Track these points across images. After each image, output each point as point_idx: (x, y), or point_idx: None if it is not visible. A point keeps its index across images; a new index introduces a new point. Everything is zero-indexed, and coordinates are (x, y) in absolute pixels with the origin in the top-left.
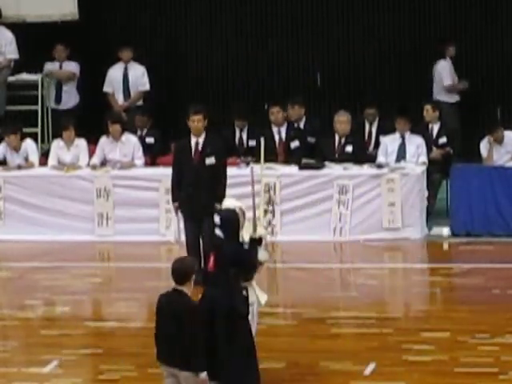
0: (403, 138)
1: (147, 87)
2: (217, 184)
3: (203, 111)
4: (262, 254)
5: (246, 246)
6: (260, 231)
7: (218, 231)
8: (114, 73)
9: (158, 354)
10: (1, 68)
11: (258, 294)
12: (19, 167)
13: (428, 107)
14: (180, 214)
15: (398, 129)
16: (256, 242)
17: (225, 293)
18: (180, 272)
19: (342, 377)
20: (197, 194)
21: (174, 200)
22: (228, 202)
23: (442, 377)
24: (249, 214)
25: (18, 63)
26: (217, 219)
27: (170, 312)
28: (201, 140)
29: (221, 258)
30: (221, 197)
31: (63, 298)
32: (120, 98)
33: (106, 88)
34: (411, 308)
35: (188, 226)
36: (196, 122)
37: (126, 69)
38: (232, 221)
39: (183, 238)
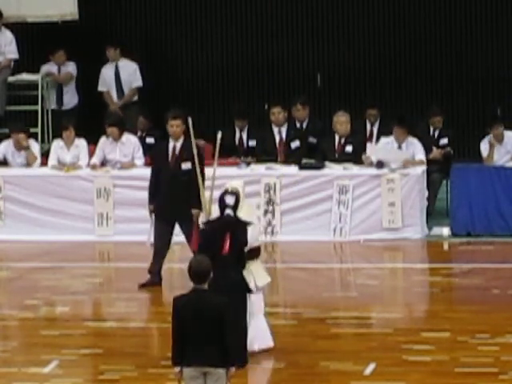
0: (400, 147)
1: (140, 83)
2: (193, 189)
3: (182, 116)
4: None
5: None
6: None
7: (229, 211)
8: (107, 72)
9: (183, 357)
10: (1, 68)
11: (255, 276)
12: (28, 164)
13: (439, 118)
14: (153, 216)
15: (395, 137)
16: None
17: (237, 272)
18: (202, 272)
19: (342, 377)
20: (172, 198)
21: (149, 203)
22: (235, 182)
23: (442, 377)
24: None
25: (18, 63)
26: (230, 200)
27: (202, 312)
28: (178, 144)
29: (235, 239)
30: (196, 202)
31: (63, 298)
32: (114, 96)
33: (101, 87)
34: (411, 308)
35: (159, 229)
36: (175, 126)
37: (116, 67)
38: (239, 203)
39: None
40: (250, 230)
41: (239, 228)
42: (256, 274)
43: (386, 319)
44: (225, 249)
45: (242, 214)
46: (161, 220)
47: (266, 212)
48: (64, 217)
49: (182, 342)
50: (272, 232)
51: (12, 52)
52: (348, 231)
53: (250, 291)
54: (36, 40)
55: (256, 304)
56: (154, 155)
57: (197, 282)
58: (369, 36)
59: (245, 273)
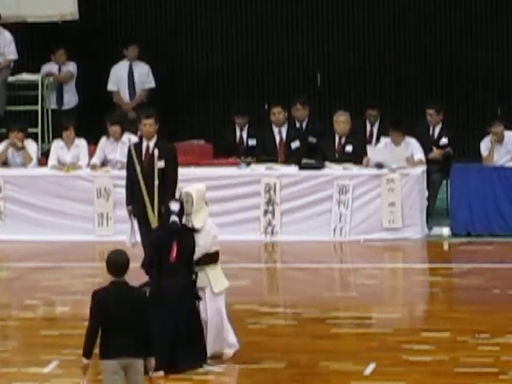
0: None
1: (153, 84)
2: (165, 188)
3: (155, 115)
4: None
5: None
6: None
7: (175, 218)
8: (119, 71)
9: (108, 349)
10: (0, 68)
11: (212, 282)
12: (24, 164)
13: (431, 112)
14: (133, 217)
15: (392, 140)
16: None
17: (185, 278)
18: (123, 264)
19: (342, 377)
20: (146, 197)
21: (127, 203)
22: (193, 186)
23: (442, 377)
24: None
25: (18, 63)
26: (175, 207)
27: (123, 303)
28: (151, 144)
29: (182, 246)
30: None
31: (63, 298)
32: (126, 97)
33: (111, 86)
34: (411, 308)
35: (141, 229)
36: (148, 126)
37: (131, 67)
38: (189, 209)
39: (138, 239)
40: (202, 236)
41: (186, 235)
42: (213, 279)
43: (386, 319)
44: (172, 256)
45: (197, 219)
46: (139, 220)
47: (265, 212)
48: (64, 217)
49: (96, 335)
50: (272, 232)
51: (11, 52)
52: (348, 231)
53: (197, 298)
54: (36, 40)
55: (217, 307)
56: (129, 156)
57: (116, 275)
58: (369, 36)
59: (201, 278)
